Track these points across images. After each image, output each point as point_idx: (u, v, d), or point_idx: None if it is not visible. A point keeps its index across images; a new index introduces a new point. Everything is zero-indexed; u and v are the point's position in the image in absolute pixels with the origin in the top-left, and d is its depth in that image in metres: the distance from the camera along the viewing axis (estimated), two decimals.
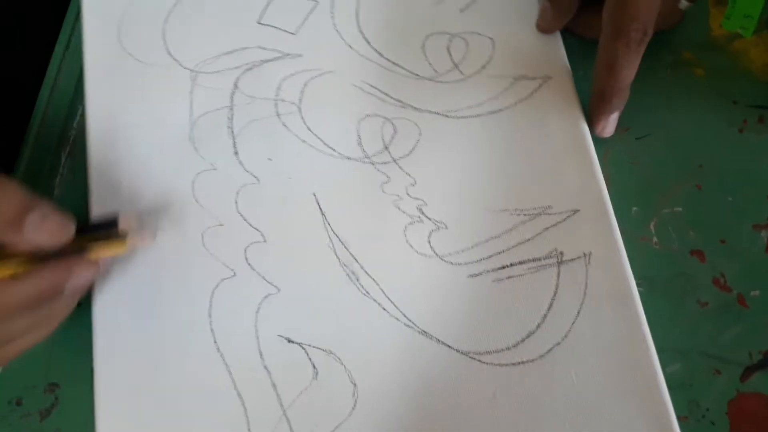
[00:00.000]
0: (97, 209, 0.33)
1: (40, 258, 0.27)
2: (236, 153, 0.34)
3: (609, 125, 0.32)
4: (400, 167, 0.33)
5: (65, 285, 0.27)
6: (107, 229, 0.30)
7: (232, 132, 0.34)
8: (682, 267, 0.31)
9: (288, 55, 0.35)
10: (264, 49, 0.35)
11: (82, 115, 0.39)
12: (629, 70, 0.30)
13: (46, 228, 0.26)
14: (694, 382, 0.29)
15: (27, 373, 0.34)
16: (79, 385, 0.32)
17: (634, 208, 0.32)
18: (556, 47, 0.33)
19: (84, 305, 0.33)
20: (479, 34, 0.34)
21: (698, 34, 0.35)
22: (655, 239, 0.32)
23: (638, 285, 0.30)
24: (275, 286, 0.31)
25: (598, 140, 0.33)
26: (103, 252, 0.29)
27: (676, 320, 0.30)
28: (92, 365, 0.32)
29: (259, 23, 0.36)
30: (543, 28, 0.34)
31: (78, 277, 0.27)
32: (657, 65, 0.34)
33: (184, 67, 0.36)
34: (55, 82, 0.40)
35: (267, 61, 0.35)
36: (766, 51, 0.34)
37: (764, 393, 0.29)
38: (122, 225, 0.30)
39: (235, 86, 0.35)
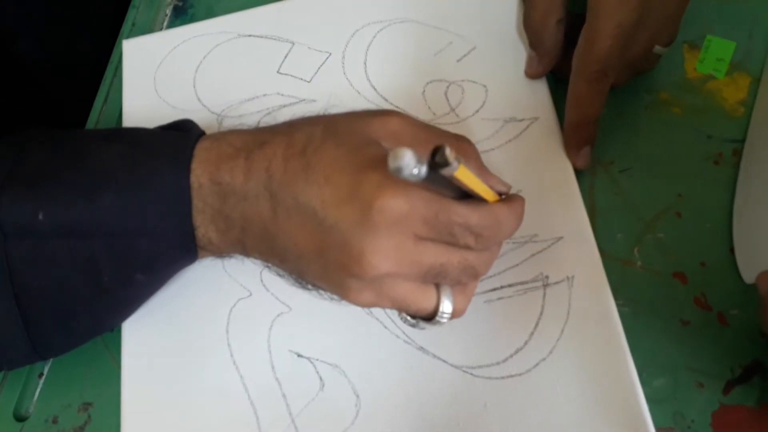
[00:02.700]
0: None
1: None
2: None
3: (581, 157, 0.35)
4: None
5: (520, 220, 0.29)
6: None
7: None
8: (665, 288, 0.33)
9: (303, 100, 0.40)
10: (282, 95, 0.40)
11: None
12: (592, 107, 0.33)
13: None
14: (679, 395, 0.31)
15: (63, 392, 0.37)
16: (110, 404, 0.35)
17: (619, 235, 0.35)
18: (542, 91, 0.37)
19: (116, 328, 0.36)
20: (474, 81, 0.38)
21: (674, 76, 0.38)
22: (639, 263, 0.34)
23: (624, 306, 0.33)
24: (287, 306, 0.34)
25: (584, 172, 0.36)
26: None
27: (660, 338, 0.32)
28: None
29: (278, 72, 0.41)
30: (530, 74, 0.37)
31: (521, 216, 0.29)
32: (637, 105, 0.37)
33: (212, 112, 0.40)
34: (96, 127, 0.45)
35: (285, 105, 0.40)
36: (737, 90, 0.37)
37: (746, 405, 0.31)
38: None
39: None
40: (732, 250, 0.33)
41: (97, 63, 0.47)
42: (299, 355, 0.33)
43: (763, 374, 0.31)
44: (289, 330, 0.34)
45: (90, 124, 0.45)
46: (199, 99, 0.41)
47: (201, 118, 0.40)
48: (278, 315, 0.34)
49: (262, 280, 0.35)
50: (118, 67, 0.46)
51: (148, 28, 0.47)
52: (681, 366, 0.32)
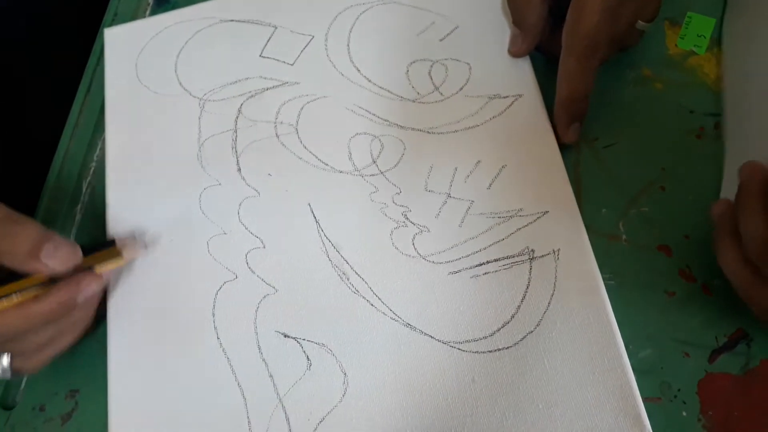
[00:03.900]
0: (114, 221, 0.37)
1: (55, 280, 0.31)
2: (239, 170, 0.37)
3: (571, 133, 0.35)
4: (386, 178, 0.36)
5: (78, 297, 0.31)
6: (106, 249, 0.34)
7: (236, 151, 0.38)
8: (650, 261, 0.34)
9: (286, 83, 0.39)
10: (265, 78, 0.40)
11: (102, 149, 0.43)
12: (583, 83, 0.33)
13: (59, 255, 0.31)
14: (665, 366, 0.31)
15: (50, 380, 0.37)
16: (97, 391, 0.35)
17: (604, 210, 0.35)
18: (526, 68, 0.37)
19: (103, 316, 0.36)
20: (457, 60, 0.38)
21: (656, 53, 0.38)
22: (624, 237, 0.34)
23: (610, 279, 0.33)
24: (273, 287, 0.34)
25: (569, 149, 0.36)
26: (105, 267, 0.33)
27: (646, 310, 0.32)
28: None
29: (261, 56, 0.40)
30: (514, 52, 0.37)
31: (87, 288, 0.32)
32: (620, 82, 0.38)
33: (194, 96, 0.40)
34: (77, 120, 0.44)
35: (268, 89, 0.39)
36: (717, 65, 0.37)
37: (731, 373, 0.31)
38: (118, 244, 0.35)
39: (239, 111, 0.39)
40: None
41: (79, 54, 0.47)
42: (286, 336, 0.33)
43: (747, 342, 0.31)
44: (275, 311, 0.34)
45: (73, 114, 0.44)
46: (180, 83, 0.40)
47: (183, 102, 0.40)
48: (264, 296, 0.34)
49: (247, 263, 0.35)
50: (100, 57, 0.45)
51: (130, 17, 0.47)
52: (667, 337, 0.32)
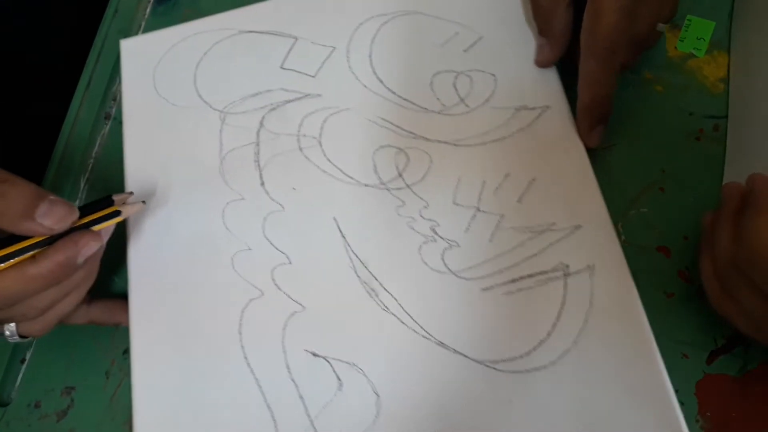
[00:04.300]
0: (135, 236, 0.36)
1: (54, 240, 0.30)
2: (262, 184, 0.37)
3: (594, 136, 0.34)
4: (413, 192, 0.35)
5: (77, 256, 0.30)
6: (104, 207, 0.33)
7: (259, 165, 0.37)
8: (650, 262, 0.34)
9: (308, 95, 0.39)
10: (287, 90, 0.39)
11: (101, 146, 0.43)
12: (604, 85, 0.33)
13: (54, 214, 0.30)
14: (664, 366, 0.31)
15: (46, 377, 0.37)
16: (93, 388, 0.35)
17: None
18: (553, 79, 0.36)
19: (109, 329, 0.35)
20: (482, 71, 0.38)
21: (656, 56, 0.38)
22: (623, 237, 0.34)
23: None
24: (300, 305, 0.33)
25: None
26: (103, 225, 0.32)
27: (645, 310, 0.31)
28: (106, 369, 0.36)
29: (282, 68, 0.40)
30: (540, 62, 0.37)
31: (85, 248, 0.31)
32: (620, 84, 0.37)
33: (214, 109, 0.39)
34: (76, 117, 0.45)
35: (289, 101, 0.39)
36: (717, 68, 0.37)
37: (729, 374, 0.31)
38: (117, 202, 0.34)
39: (261, 124, 0.38)
40: None
41: (79, 53, 0.47)
42: (315, 355, 0.32)
43: (745, 344, 0.32)
44: (303, 329, 0.33)
45: (73, 109, 0.44)
46: (200, 96, 0.40)
47: (203, 115, 0.39)
48: (292, 314, 0.33)
49: (273, 279, 0.34)
50: (100, 54, 0.46)
51: (131, 14, 0.47)
52: (665, 337, 0.32)
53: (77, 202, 0.42)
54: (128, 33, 0.47)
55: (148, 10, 0.48)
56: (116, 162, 0.41)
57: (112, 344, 0.37)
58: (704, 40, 0.37)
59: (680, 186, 0.35)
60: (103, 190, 0.41)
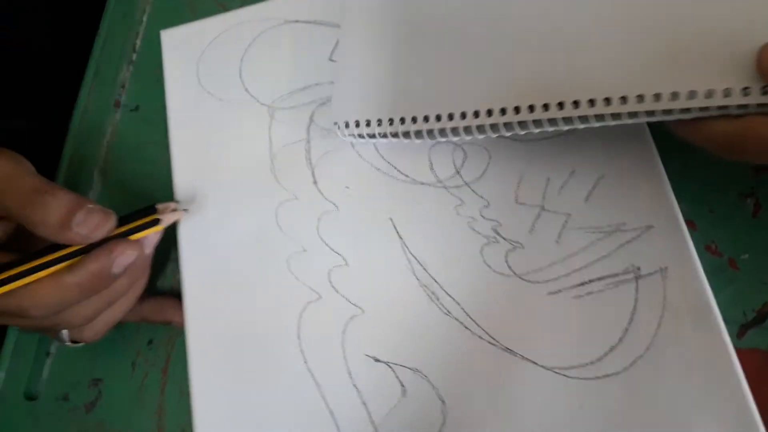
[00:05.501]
0: (186, 240, 0.35)
1: (92, 248, 0.30)
2: (315, 182, 0.35)
3: None
4: (472, 190, 0.34)
5: (111, 265, 0.30)
6: (146, 216, 0.33)
7: (311, 163, 0.36)
8: None
9: None
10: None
11: (112, 134, 0.43)
12: None
13: (90, 222, 0.30)
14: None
15: (73, 370, 0.37)
16: (120, 379, 0.36)
17: None
18: None
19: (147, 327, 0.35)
20: None
21: None
22: None
23: None
24: (359, 308, 0.33)
25: None
26: (142, 233, 0.32)
27: None
28: (132, 360, 0.36)
29: (331, 60, 0.38)
30: None
31: (120, 257, 0.30)
32: None
33: (262, 104, 0.38)
34: (86, 106, 0.44)
35: None
36: None
37: (760, 348, 0.30)
38: (160, 210, 0.34)
39: (311, 120, 0.37)
40: (741, 195, 0.33)
41: (82, 37, 0.46)
42: (376, 360, 0.32)
43: None
44: (363, 333, 0.32)
45: (82, 98, 0.44)
46: (246, 90, 0.39)
47: (250, 110, 0.38)
48: (351, 318, 0.32)
49: (330, 281, 0.33)
50: (106, 40, 0.45)
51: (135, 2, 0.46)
52: None
53: (91, 193, 0.41)
54: (133, 17, 0.46)
55: None
56: (129, 150, 0.42)
57: (137, 335, 0.37)
58: None
59: (705, 159, 0.33)
60: (117, 179, 0.41)
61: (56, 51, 0.51)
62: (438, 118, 0.31)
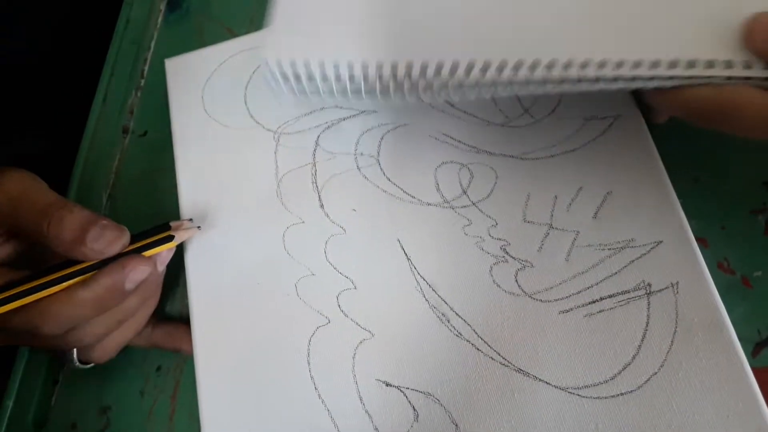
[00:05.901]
0: (193, 263, 0.35)
1: (105, 264, 0.30)
2: (322, 206, 0.36)
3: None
4: (479, 210, 0.34)
5: (124, 280, 0.30)
6: (159, 232, 0.33)
7: (317, 186, 0.36)
8: None
9: (364, 111, 0.37)
10: (341, 108, 0.38)
11: (120, 160, 0.43)
12: None
13: (104, 238, 0.30)
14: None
15: (81, 397, 0.37)
16: (128, 407, 0.35)
17: None
18: None
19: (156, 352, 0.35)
20: None
21: None
22: None
23: None
24: (369, 332, 0.32)
25: None
26: (155, 250, 0.32)
27: None
28: (141, 388, 0.36)
29: None
30: None
31: (133, 272, 0.31)
32: None
33: (267, 129, 0.38)
34: (94, 132, 0.44)
35: (345, 118, 0.37)
36: None
37: None
38: (174, 227, 0.34)
39: (317, 144, 0.37)
40: (752, 211, 0.32)
41: (91, 62, 0.46)
42: (388, 384, 0.31)
43: None
44: (374, 357, 0.32)
45: (90, 124, 0.44)
46: (252, 116, 0.39)
47: (256, 136, 0.38)
48: (361, 341, 0.32)
49: (339, 306, 0.33)
50: (114, 66, 0.45)
51: (142, 24, 0.47)
52: None
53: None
54: (141, 43, 0.46)
55: (160, 19, 0.47)
56: (138, 176, 0.42)
57: (145, 361, 0.37)
58: None
59: (716, 175, 0.33)
60: (125, 205, 0.41)
61: (66, 75, 0.51)
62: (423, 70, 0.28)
